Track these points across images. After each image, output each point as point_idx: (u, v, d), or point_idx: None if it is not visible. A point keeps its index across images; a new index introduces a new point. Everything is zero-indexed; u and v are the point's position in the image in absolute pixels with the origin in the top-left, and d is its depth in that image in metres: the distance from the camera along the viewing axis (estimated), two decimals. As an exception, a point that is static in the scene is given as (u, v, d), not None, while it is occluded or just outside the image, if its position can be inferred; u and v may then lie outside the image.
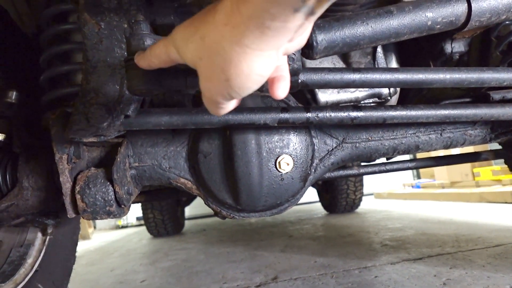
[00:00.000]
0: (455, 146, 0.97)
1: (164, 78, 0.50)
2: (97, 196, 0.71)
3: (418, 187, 5.02)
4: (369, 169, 1.14)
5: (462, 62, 1.23)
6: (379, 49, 1.11)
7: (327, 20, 0.51)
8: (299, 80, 0.55)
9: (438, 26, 0.53)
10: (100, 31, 0.58)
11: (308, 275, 1.46)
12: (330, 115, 0.72)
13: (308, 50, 0.51)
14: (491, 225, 2.12)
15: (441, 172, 4.64)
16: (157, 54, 0.44)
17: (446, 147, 0.96)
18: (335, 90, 1.06)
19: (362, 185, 3.70)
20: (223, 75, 0.34)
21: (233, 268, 1.79)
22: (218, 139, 0.79)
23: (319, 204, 4.61)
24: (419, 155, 4.20)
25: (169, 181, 0.83)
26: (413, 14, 0.52)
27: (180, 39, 0.38)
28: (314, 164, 0.86)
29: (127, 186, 0.76)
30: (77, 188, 0.71)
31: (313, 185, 4.22)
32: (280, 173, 0.80)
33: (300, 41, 0.37)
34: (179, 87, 0.51)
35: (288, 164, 0.80)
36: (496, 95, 0.94)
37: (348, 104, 1.08)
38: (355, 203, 3.76)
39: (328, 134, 0.88)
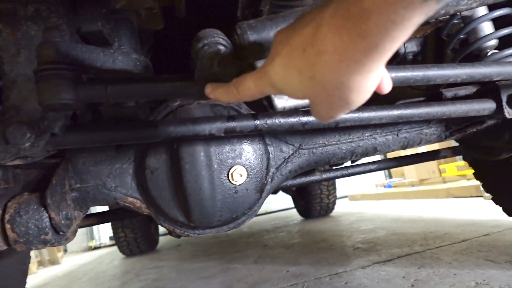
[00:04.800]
0: (412, 146, 0.96)
1: (81, 90, 0.45)
2: (29, 225, 0.64)
3: (390, 186, 5.12)
4: (332, 174, 1.12)
5: (417, 62, 1.24)
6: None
7: (260, 19, 0.48)
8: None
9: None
10: (17, 42, 0.53)
11: (279, 287, 1.42)
12: (280, 122, 0.69)
13: (240, 52, 0.48)
14: (458, 220, 2.16)
15: (411, 171, 4.76)
16: (245, 89, 0.45)
17: (404, 147, 0.95)
18: (291, 96, 1.04)
19: (335, 188, 3.73)
20: (343, 101, 0.35)
21: (205, 284, 1.73)
22: (165, 154, 0.74)
23: (295, 210, 4.60)
24: (380, 157, 4.29)
25: (115, 201, 0.77)
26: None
27: (280, 81, 0.39)
28: (270, 173, 0.82)
29: (66, 211, 0.69)
30: (7, 216, 0.64)
31: (287, 192, 4.22)
32: (234, 185, 0.76)
33: None
34: (100, 99, 0.46)
35: (241, 175, 0.76)
36: (448, 93, 0.95)
37: (302, 109, 1.06)
38: (330, 207, 3.77)
39: (283, 141, 0.85)
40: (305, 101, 1.05)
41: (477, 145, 1.04)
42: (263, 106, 1.07)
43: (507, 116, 0.83)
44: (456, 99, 0.94)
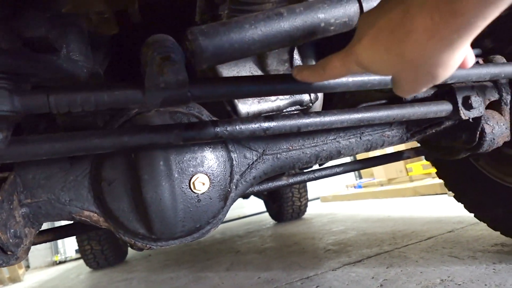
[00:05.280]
0: (375, 148, 0.97)
1: (19, 101, 0.42)
2: (-29, 246, 0.59)
3: (360, 187, 5.23)
4: (298, 178, 1.12)
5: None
6: (296, 56, 1.11)
7: (212, 25, 0.47)
8: (188, 94, 0.50)
9: (333, 28, 0.51)
10: None
11: (251, 294, 1.40)
12: (241, 128, 0.68)
13: (192, 59, 0.46)
14: (424, 218, 2.22)
15: (379, 171, 4.88)
16: (331, 69, 0.47)
17: (367, 149, 0.96)
18: (256, 100, 1.03)
19: (306, 191, 3.76)
20: (429, 76, 0.38)
21: (175, 295, 1.68)
22: (122, 164, 0.70)
23: (268, 214, 4.60)
24: (349, 159, 4.38)
25: (71, 216, 0.73)
26: (305, 15, 0.49)
27: (366, 59, 0.42)
28: (234, 181, 0.81)
29: (15, 229, 0.65)
30: None
31: (259, 196, 4.21)
32: (196, 194, 0.74)
33: None
34: (42, 109, 0.43)
35: (204, 184, 0.74)
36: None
37: (270, 113, 1.06)
38: (301, 210, 3.79)
39: (247, 147, 0.83)
40: (270, 106, 1.05)
41: (437, 146, 1.07)
42: (227, 112, 1.06)
43: (463, 117, 0.86)
44: (416, 101, 0.97)
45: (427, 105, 0.85)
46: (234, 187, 0.81)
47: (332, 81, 0.63)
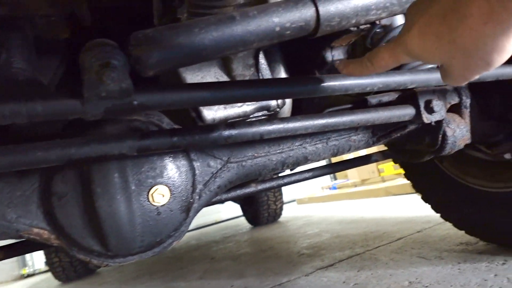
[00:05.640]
0: (342, 153, 0.97)
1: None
2: None
3: (335, 188, 5.29)
4: (267, 185, 1.10)
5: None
6: (262, 61, 1.09)
7: (158, 29, 0.44)
8: (134, 102, 0.47)
9: (289, 32, 0.49)
10: None
11: (223, 304, 1.36)
12: (200, 137, 0.65)
13: (138, 65, 0.43)
14: (395, 218, 2.26)
15: (353, 172, 4.95)
16: (379, 60, 0.47)
17: (334, 154, 0.96)
18: (221, 106, 1.00)
19: (281, 194, 3.76)
20: (483, 62, 0.37)
21: (145, 308, 1.62)
22: (74, 177, 0.66)
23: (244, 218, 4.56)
24: (321, 163, 4.42)
25: (18, 234, 0.68)
26: (259, 19, 0.47)
27: (416, 48, 0.41)
28: (197, 191, 0.78)
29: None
30: None
31: (235, 201, 4.18)
32: (156, 207, 0.70)
33: None
34: (17, 118, 0.39)
35: (164, 196, 0.71)
36: (373, 100, 0.97)
37: (237, 119, 1.04)
38: (277, 213, 3.79)
39: (210, 155, 0.81)
40: (236, 112, 1.03)
41: (403, 149, 1.08)
42: (192, 118, 1.02)
43: (425, 120, 0.87)
44: (380, 105, 0.97)
45: (391, 109, 0.85)
46: (197, 197, 0.78)
47: (295, 87, 0.62)
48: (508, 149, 1.18)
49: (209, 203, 0.92)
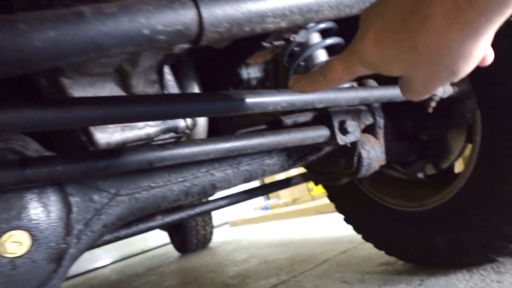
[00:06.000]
0: (256, 178, 0.88)
1: None
2: None
3: (267, 208, 5.26)
4: (176, 216, 0.98)
5: (264, 87, 1.21)
6: (169, 77, 0.98)
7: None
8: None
9: (163, 37, 0.39)
10: None
11: None
12: (65, 168, 0.51)
13: None
14: (322, 239, 2.25)
15: (284, 191, 4.97)
16: (332, 74, 0.42)
17: (247, 180, 0.87)
18: (118, 127, 0.87)
19: (211, 218, 3.59)
20: (448, 71, 0.33)
21: None
22: None
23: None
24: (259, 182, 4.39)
25: None
26: (119, 18, 0.36)
27: (373, 57, 0.36)
28: (74, 232, 0.62)
29: None
30: None
31: (162, 228, 3.91)
32: (10, 259, 0.54)
33: None
34: None
35: (21, 244, 0.55)
36: (288, 120, 0.91)
37: (138, 142, 0.90)
38: (207, 238, 3.61)
39: (94, 188, 0.66)
40: (137, 134, 0.90)
41: (320, 171, 1.03)
42: (82, 142, 0.87)
43: (339, 142, 0.82)
44: (296, 126, 0.91)
45: (305, 130, 0.79)
46: (74, 241, 0.63)
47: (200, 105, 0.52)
48: (421, 168, 1.20)
49: (96, 244, 0.77)
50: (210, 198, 1.15)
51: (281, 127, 0.90)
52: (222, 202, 1.06)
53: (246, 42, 0.96)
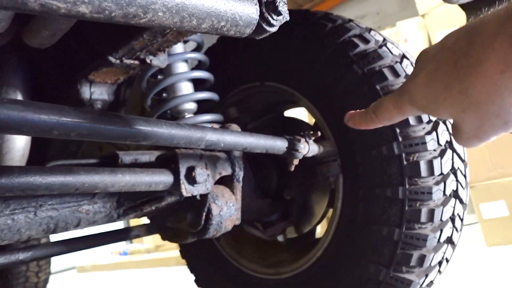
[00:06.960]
0: (65, 230, 0.64)
1: None
2: None
3: (126, 254, 4.69)
4: None
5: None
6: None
7: None
8: None
9: None
10: None
11: None
12: None
13: None
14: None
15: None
16: (383, 112, 0.43)
17: (49, 231, 0.62)
18: None
19: (48, 262, 2.96)
20: (499, 120, 0.32)
21: None
22: None
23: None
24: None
25: None
26: None
27: (422, 98, 0.37)
28: None
29: None
30: None
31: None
32: None
33: None
34: None
35: None
36: (127, 157, 0.71)
37: None
38: (39, 288, 2.94)
39: None
40: None
41: (163, 226, 0.84)
42: None
43: (184, 193, 0.65)
44: (136, 165, 0.72)
45: (138, 173, 0.60)
46: None
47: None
48: (282, 230, 1.10)
49: None
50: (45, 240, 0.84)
51: (116, 165, 0.70)
52: (57, 248, 0.76)
53: (87, 53, 0.76)
